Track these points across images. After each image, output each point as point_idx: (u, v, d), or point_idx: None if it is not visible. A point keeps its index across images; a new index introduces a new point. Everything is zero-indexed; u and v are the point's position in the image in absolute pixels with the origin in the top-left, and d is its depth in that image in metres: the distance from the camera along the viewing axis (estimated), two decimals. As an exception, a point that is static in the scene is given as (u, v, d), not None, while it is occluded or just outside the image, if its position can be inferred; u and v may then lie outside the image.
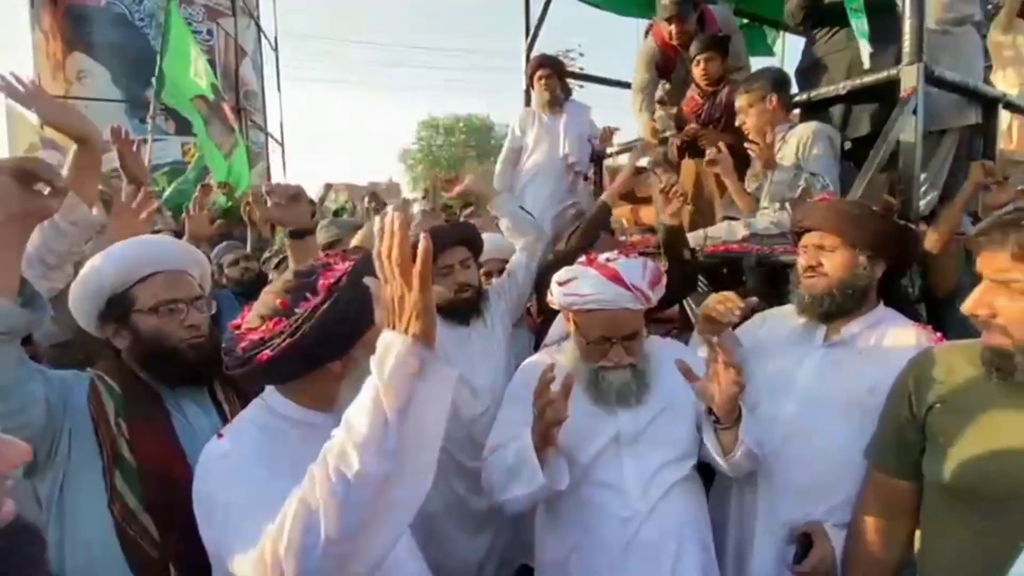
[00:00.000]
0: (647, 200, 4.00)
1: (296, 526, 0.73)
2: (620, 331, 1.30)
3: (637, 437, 1.33)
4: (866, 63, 2.07)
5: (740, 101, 2.23)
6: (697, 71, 2.70)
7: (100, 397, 1.10)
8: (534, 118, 3.52)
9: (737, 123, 2.26)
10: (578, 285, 1.32)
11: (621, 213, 3.82)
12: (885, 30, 2.09)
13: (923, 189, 2.16)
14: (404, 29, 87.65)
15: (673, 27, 2.96)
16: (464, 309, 1.89)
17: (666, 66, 3.26)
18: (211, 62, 5.89)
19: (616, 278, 1.29)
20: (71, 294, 1.19)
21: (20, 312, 0.95)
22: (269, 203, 1.59)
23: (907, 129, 1.91)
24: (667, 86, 3.48)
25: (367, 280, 0.79)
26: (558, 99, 3.42)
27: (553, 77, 3.41)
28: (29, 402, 1.00)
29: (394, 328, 0.75)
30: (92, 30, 8.63)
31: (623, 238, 3.28)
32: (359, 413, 0.74)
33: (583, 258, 1.40)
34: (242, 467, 0.88)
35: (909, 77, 1.93)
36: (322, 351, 0.92)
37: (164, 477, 1.06)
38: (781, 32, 4.69)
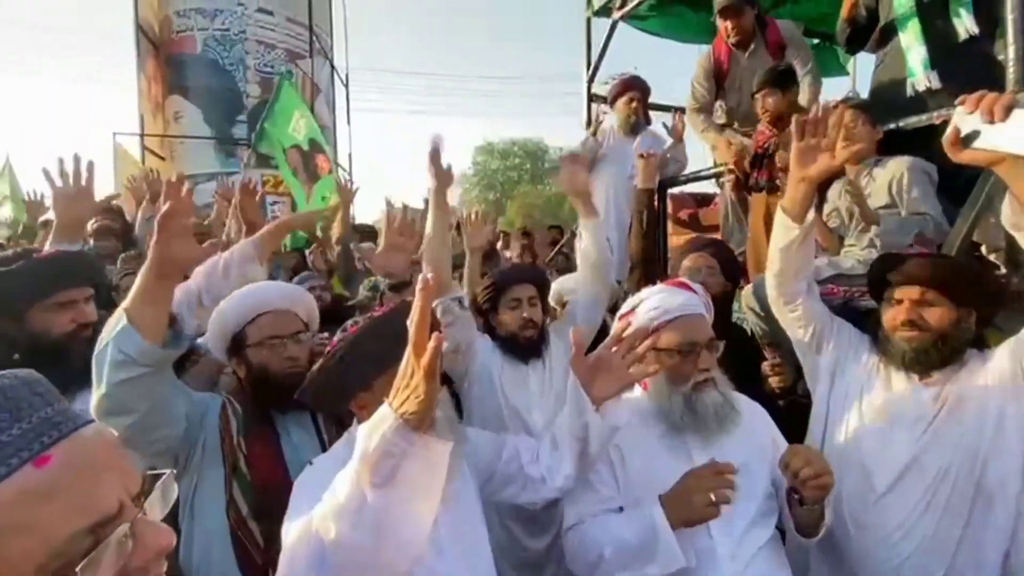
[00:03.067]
0: (714, 228, 3.88)
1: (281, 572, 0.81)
2: (702, 335, 1.31)
3: None
4: (935, 84, 1.95)
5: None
6: (758, 106, 2.65)
7: (228, 416, 1.29)
8: (609, 136, 3.50)
9: None
10: (652, 302, 1.34)
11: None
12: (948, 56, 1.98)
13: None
14: (464, 59, 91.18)
15: (728, 23, 2.91)
16: (526, 347, 1.92)
17: (720, 73, 3.20)
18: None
19: (683, 285, 1.40)
20: (208, 333, 1.41)
21: (160, 351, 1.13)
22: (380, 244, 1.68)
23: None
24: (724, 106, 3.39)
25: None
26: (640, 124, 3.40)
27: (641, 101, 3.40)
28: (170, 419, 1.21)
29: (392, 402, 0.78)
30: (188, 75, 9.56)
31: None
32: (343, 481, 0.80)
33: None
34: (309, 495, 0.96)
35: (1015, 106, 1.78)
36: (342, 382, 1.06)
37: (270, 491, 1.21)
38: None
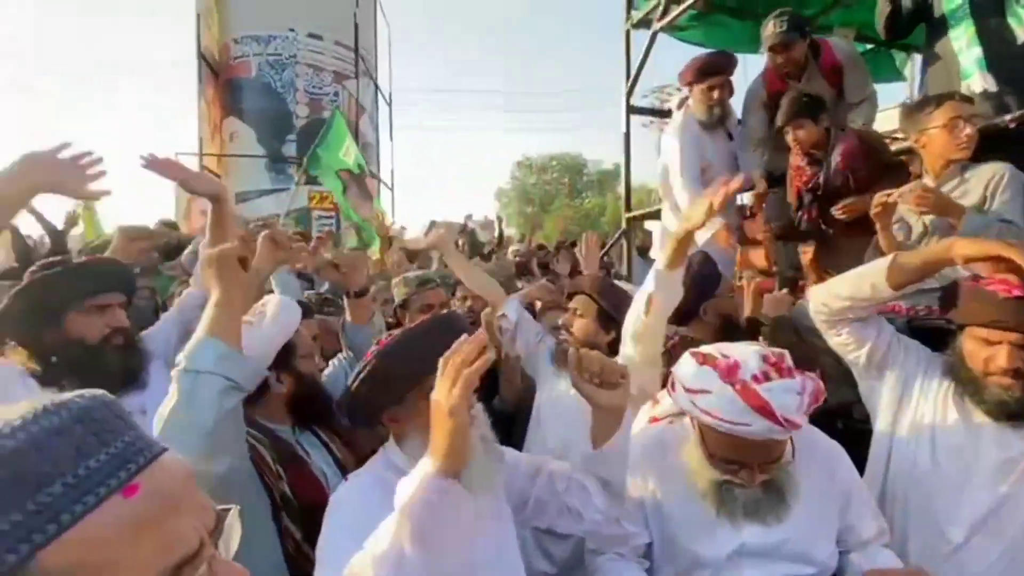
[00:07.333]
0: (756, 242, 3.75)
1: None
2: (759, 458, 1.11)
3: (766, 552, 1.14)
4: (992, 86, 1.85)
5: (921, 122, 1.84)
6: (790, 139, 2.49)
7: (256, 447, 1.18)
8: (702, 130, 3.06)
9: (915, 143, 1.88)
10: (711, 403, 1.05)
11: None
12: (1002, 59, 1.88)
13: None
14: (503, 76, 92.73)
15: (779, 57, 2.80)
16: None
17: (775, 103, 3.03)
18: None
19: (765, 410, 1.00)
20: (261, 342, 1.29)
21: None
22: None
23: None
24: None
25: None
26: (727, 116, 3.10)
27: (723, 87, 3.03)
28: (244, 453, 1.12)
29: (431, 455, 0.81)
30: (243, 98, 10.15)
31: (735, 282, 3.06)
32: (385, 529, 0.81)
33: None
34: (345, 517, 0.97)
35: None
36: (375, 396, 1.03)
37: (317, 511, 1.14)
38: (910, 54, 4.27)
